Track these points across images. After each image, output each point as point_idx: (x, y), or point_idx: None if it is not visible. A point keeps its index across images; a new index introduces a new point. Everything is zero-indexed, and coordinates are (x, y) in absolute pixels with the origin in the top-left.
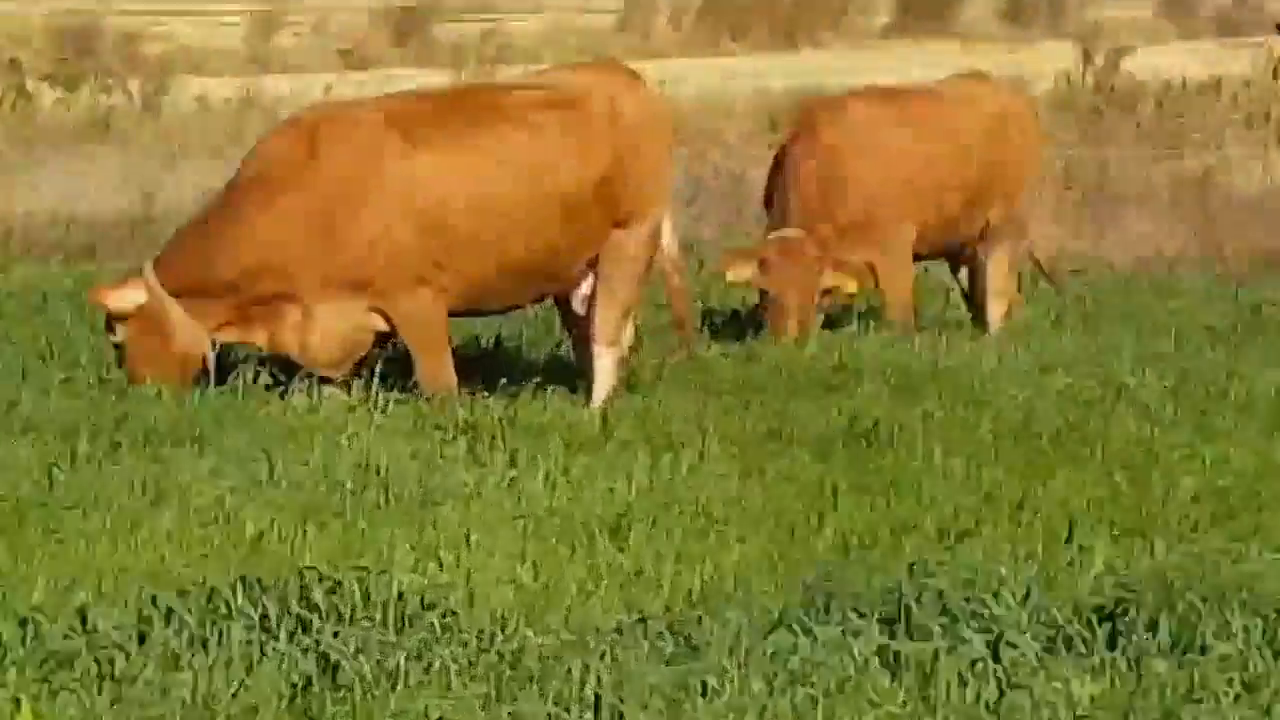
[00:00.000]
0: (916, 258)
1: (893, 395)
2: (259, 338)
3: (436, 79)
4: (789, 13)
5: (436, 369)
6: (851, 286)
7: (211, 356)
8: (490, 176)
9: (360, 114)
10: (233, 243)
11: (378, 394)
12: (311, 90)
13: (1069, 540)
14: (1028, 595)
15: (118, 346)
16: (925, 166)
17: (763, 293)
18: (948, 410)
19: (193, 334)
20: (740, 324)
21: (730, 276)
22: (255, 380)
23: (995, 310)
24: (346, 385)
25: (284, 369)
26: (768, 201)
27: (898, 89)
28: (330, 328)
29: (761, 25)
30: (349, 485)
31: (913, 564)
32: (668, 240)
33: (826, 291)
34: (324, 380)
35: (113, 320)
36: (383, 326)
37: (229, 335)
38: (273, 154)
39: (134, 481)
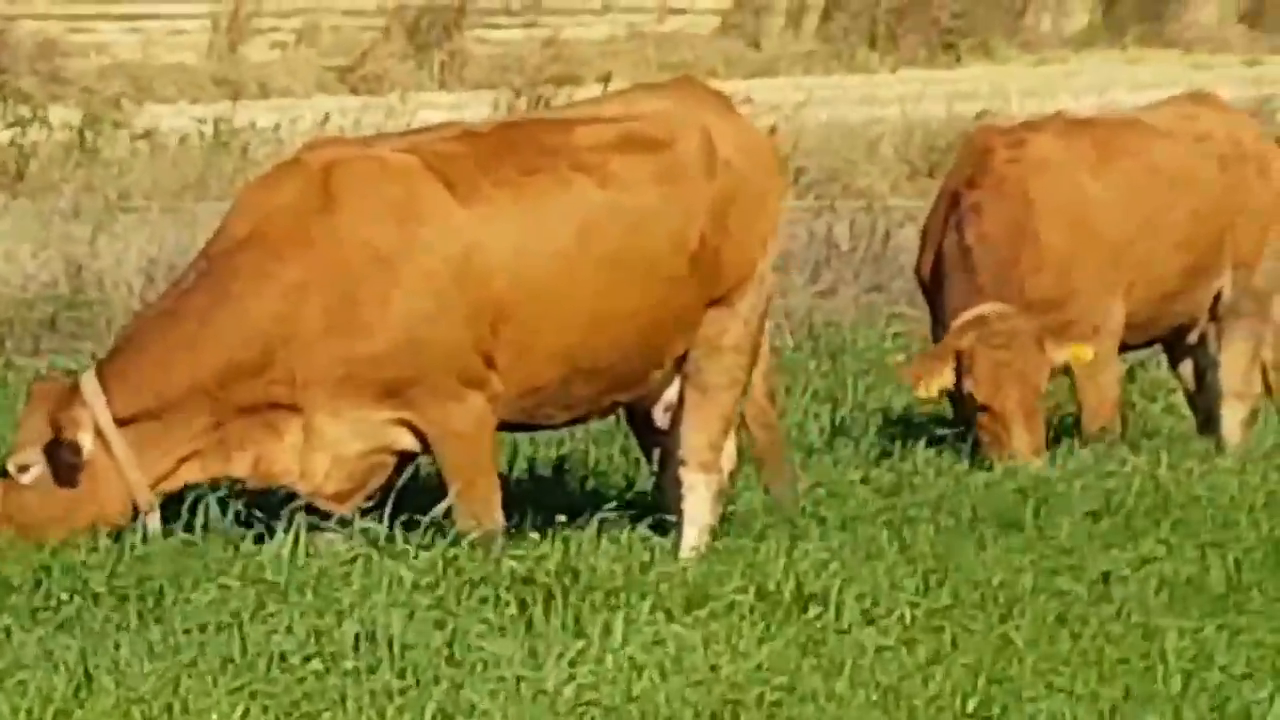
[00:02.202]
0: (1123, 347)
1: (1099, 534)
2: (239, 466)
3: (472, 107)
4: (949, 13)
5: (480, 503)
6: (1087, 353)
7: (155, 519)
8: (557, 242)
9: (385, 154)
10: (215, 333)
11: (392, 536)
12: (300, 121)
13: None
14: None
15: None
16: (1135, 223)
17: (955, 399)
18: (1174, 554)
19: (138, 494)
20: (891, 434)
21: (922, 392)
22: (224, 518)
23: (1232, 417)
24: (343, 522)
25: (259, 503)
26: (927, 273)
27: (1095, 119)
28: (342, 449)
29: (912, 30)
30: (350, 663)
31: None
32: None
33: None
34: (317, 515)
35: (52, 448)
36: (410, 446)
37: (190, 473)
38: (268, 209)
39: (55, 660)
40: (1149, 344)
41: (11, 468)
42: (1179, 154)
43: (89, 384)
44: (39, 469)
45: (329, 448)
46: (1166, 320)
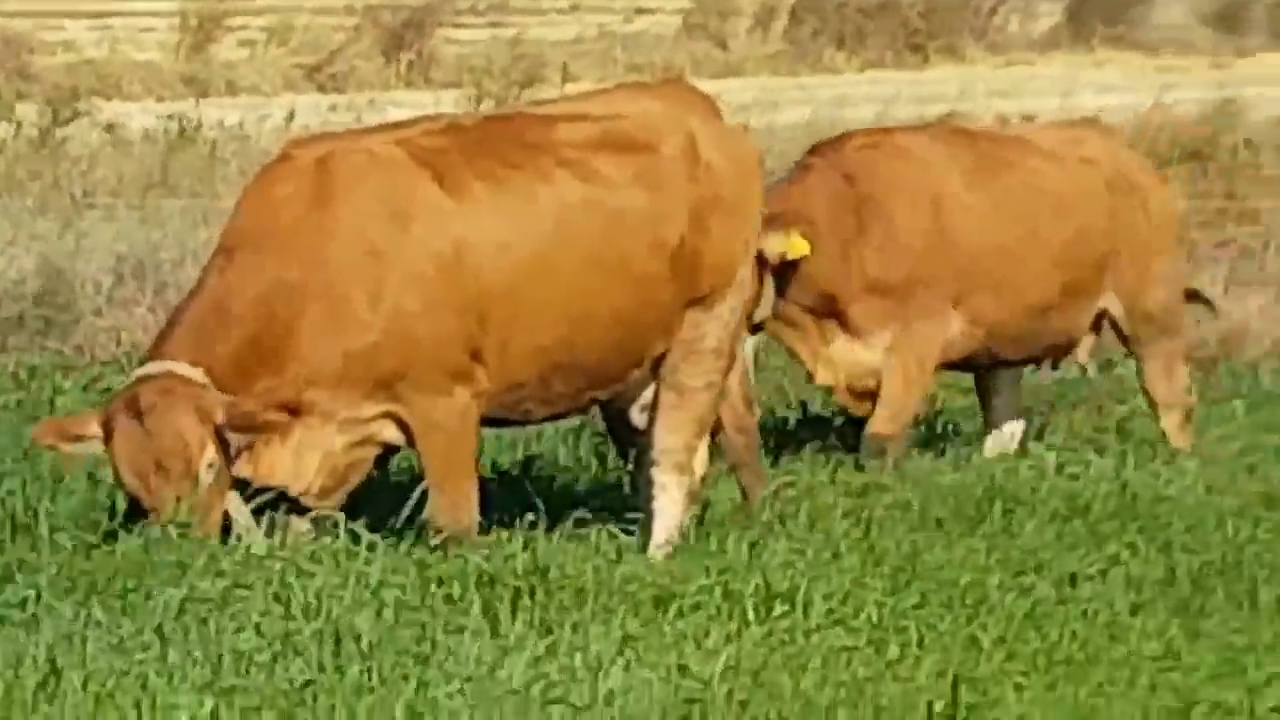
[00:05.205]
0: (1004, 362)
1: (1066, 535)
2: (246, 466)
3: (439, 107)
4: (917, 14)
5: (458, 499)
6: (799, 244)
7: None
8: (542, 238)
9: (374, 147)
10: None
11: (358, 533)
12: (268, 119)
13: None
14: None
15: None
16: (987, 230)
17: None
18: (1140, 555)
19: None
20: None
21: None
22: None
23: (1171, 424)
24: (316, 522)
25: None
26: None
27: (974, 130)
28: (332, 445)
29: (880, 31)
30: (317, 661)
31: None
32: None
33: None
34: (294, 511)
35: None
36: (393, 439)
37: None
38: (265, 205)
39: (21, 657)
40: (1030, 359)
41: (203, 473)
42: (1047, 171)
43: (185, 369)
44: (217, 459)
45: (320, 446)
46: (1044, 335)
